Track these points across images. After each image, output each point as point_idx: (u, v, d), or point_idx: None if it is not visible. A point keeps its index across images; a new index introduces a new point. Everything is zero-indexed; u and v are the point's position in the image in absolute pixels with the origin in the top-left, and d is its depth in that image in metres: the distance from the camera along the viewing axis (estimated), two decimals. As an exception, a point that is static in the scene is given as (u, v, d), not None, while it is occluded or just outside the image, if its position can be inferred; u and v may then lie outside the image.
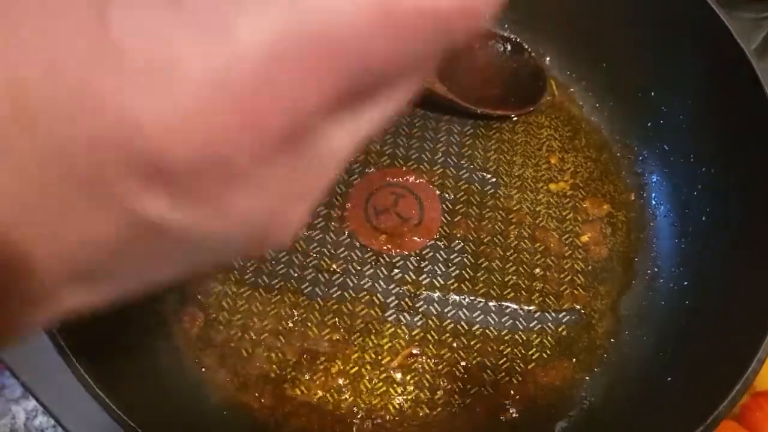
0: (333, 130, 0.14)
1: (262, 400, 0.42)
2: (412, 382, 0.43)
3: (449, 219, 0.49)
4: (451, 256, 0.47)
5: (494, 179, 0.51)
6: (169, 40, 0.11)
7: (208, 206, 0.12)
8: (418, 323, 0.45)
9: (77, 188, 0.12)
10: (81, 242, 0.12)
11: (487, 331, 0.45)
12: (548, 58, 0.55)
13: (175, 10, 0.11)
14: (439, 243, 0.48)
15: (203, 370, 0.43)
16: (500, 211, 0.49)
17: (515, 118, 0.53)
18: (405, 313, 0.45)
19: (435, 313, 0.46)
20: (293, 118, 0.12)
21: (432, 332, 0.45)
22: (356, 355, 0.44)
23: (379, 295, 0.46)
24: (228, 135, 0.12)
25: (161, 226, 0.12)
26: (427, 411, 0.43)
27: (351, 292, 0.46)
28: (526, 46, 0.54)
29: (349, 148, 0.14)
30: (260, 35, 0.11)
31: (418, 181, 0.50)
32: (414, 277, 0.47)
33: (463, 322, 0.45)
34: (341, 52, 0.12)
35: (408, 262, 0.47)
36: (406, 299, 0.46)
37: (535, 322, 0.46)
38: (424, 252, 0.47)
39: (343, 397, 0.43)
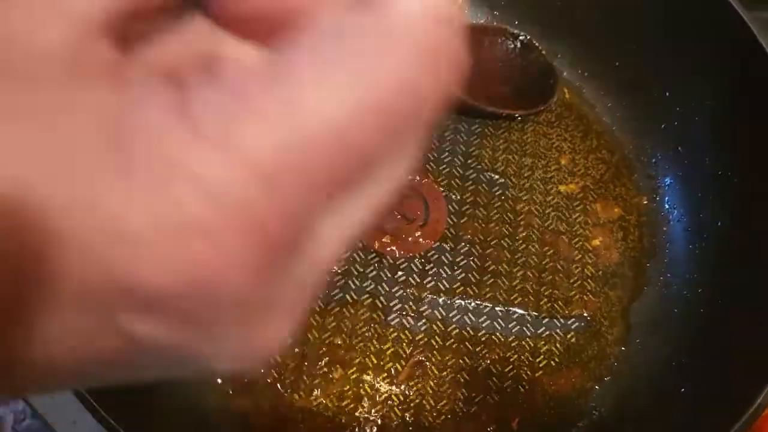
0: (322, 228, 0.13)
1: (260, 405, 0.41)
2: (415, 389, 0.42)
3: (455, 220, 0.47)
4: (457, 259, 0.46)
5: (502, 180, 0.49)
6: (173, 149, 0.11)
7: (197, 330, 0.12)
8: (422, 328, 0.44)
9: (59, 293, 0.11)
10: (58, 343, 0.12)
11: (493, 336, 0.44)
12: (559, 56, 0.53)
13: (181, 118, 0.11)
14: (444, 245, 0.46)
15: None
16: (508, 213, 0.48)
17: (525, 118, 0.52)
18: (408, 317, 0.44)
19: (439, 317, 0.44)
20: (294, 224, 0.12)
21: (436, 337, 0.43)
22: (358, 360, 0.42)
23: (382, 298, 0.44)
24: (228, 250, 0.11)
25: (143, 344, 0.12)
26: (431, 419, 0.41)
27: (353, 294, 0.44)
28: (537, 44, 0.53)
29: (338, 247, 0.13)
30: (264, 143, 0.11)
31: (423, 181, 0.48)
32: (418, 280, 0.45)
33: (468, 328, 0.44)
34: (339, 150, 0.12)
35: (412, 265, 0.45)
36: (410, 303, 0.44)
37: (543, 328, 0.44)
38: (429, 254, 0.46)
39: (344, 403, 0.41)
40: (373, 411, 0.41)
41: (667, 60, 0.49)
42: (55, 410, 0.40)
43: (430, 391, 0.42)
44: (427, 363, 0.43)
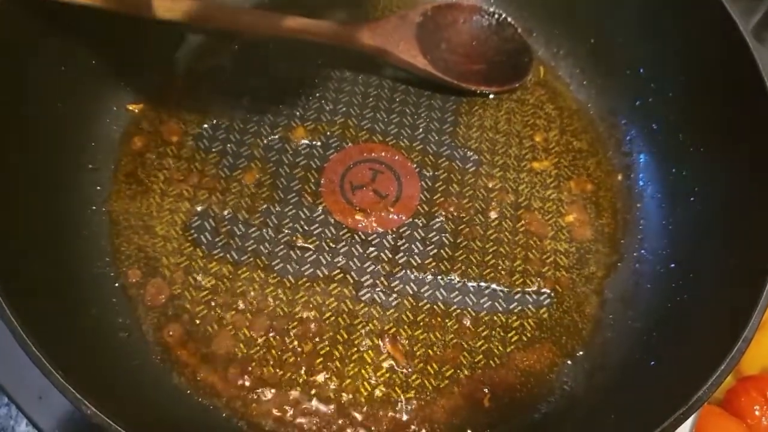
0: None
1: (228, 380, 0.40)
2: (385, 363, 0.42)
3: (428, 197, 0.47)
4: (430, 235, 0.46)
5: (476, 157, 0.49)
6: None
7: None
8: (393, 303, 0.43)
9: None
10: None
11: (464, 312, 0.43)
12: (534, 34, 0.53)
13: None
14: (417, 221, 0.46)
15: (165, 347, 0.41)
16: (481, 190, 0.48)
17: (499, 95, 0.51)
18: (380, 293, 0.44)
19: (411, 292, 0.44)
20: None
21: (407, 313, 0.43)
22: (328, 335, 0.42)
23: (353, 273, 0.44)
24: None
25: None
26: (401, 393, 0.41)
27: (324, 270, 0.44)
28: (512, 22, 0.53)
29: None
30: None
31: (396, 157, 0.48)
32: (390, 256, 0.45)
33: (440, 303, 0.44)
34: None
35: (384, 240, 0.45)
36: (382, 278, 0.44)
37: (515, 303, 0.44)
38: (401, 230, 0.46)
39: (313, 378, 0.41)
40: (342, 385, 0.41)
41: (641, 38, 0.49)
42: (19, 385, 0.40)
43: (400, 366, 0.42)
44: (398, 338, 0.42)
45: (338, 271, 0.44)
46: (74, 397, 0.30)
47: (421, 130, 0.49)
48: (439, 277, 0.44)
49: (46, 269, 0.38)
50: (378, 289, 0.44)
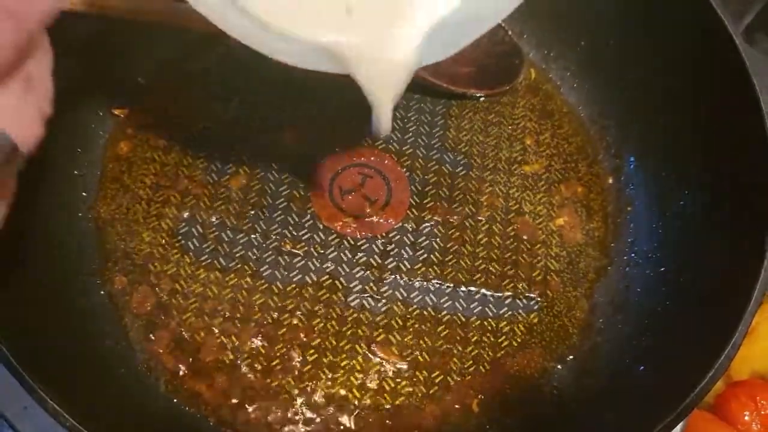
0: None
1: (215, 388, 0.40)
2: (374, 369, 0.41)
3: (418, 201, 0.46)
4: (419, 240, 0.45)
5: (466, 160, 0.48)
6: None
7: None
8: (383, 309, 0.43)
9: None
10: None
11: (454, 317, 0.43)
12: (525, 36, 0.53)
13: None
14: (406, 226, 0.46)
15: (152, 355, 0.40)
16: (472, 194, 0.47)
17: (490, 98, 0.51)
18: (369, 298, 0.43)
19: (400, 298, 0.43)
20: None
21: (397, 318, 0.43)
22: (316, 341, 0.42)
23: (342, 279, 0.44)
24: None
25: None
26: (390, 400, 0.41)
27: (312, 276, 0.43)
28: (503, 24, 0.52)
29: None
30: None
31: (386, 162, 0.48)
32: (379, 261, 0.44)
33: (429, 308, 0.43)
34: None
35: (374, 246, 0.45)
36: (371, 284, 0.44)
37: (506, 308, 0.44)
38: (390, 235, 0.45)
39: (302, 385, 0.40)
40: (331, 392, 0.40)
41: (632, 41, 0.49)
42: (4, 394, 0.39)
43: (390, 373, 0.41)
44: (387, 344, 0.42)
45: (327, 276, 0.44)
46: (53, 409, 0.29)
47: (410, 133, 0.49)
48: (429, 283, 0.44)
49: (29, 276, 0.38)
50: (367, 294, 0.43)
